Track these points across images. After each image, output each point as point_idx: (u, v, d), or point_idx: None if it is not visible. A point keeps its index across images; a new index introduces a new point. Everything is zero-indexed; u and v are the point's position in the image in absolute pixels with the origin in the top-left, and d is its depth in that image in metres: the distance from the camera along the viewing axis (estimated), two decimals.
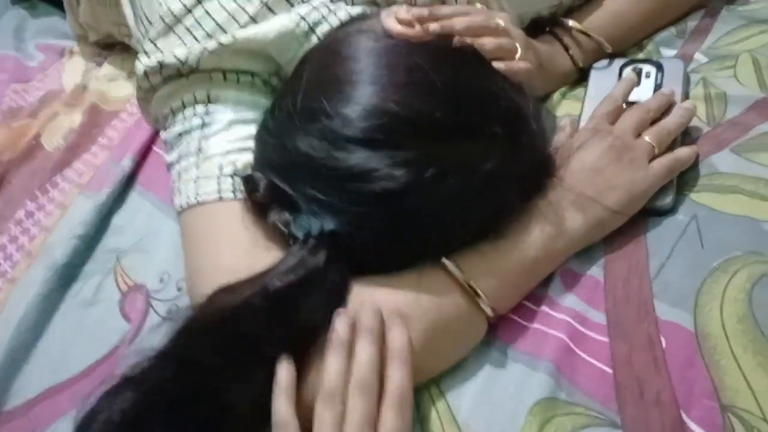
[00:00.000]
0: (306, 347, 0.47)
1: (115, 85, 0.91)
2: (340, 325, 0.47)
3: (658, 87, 0.62)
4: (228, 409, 0.46)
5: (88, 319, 0.66)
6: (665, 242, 0.52)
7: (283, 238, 0.51)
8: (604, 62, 0.67)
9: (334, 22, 0.57)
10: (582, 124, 0.60)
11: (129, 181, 0.77)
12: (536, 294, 0.53)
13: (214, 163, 0.55)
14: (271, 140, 0.53)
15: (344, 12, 0.57)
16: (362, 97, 0.48)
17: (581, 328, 0.50)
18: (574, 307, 0.51)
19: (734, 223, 0.51)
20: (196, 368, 0.46)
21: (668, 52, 0.69)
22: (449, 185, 0.47)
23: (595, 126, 0.57)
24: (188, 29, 0.57)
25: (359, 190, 0.47)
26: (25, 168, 0.84)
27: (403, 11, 0.53)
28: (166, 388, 0.46)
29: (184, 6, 0.57)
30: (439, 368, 0.50)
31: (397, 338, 0.46)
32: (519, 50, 0.56)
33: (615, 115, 0.58)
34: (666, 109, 0.58)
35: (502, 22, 0.57)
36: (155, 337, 0.47)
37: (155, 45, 0.58)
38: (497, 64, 0.53)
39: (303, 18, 0.56)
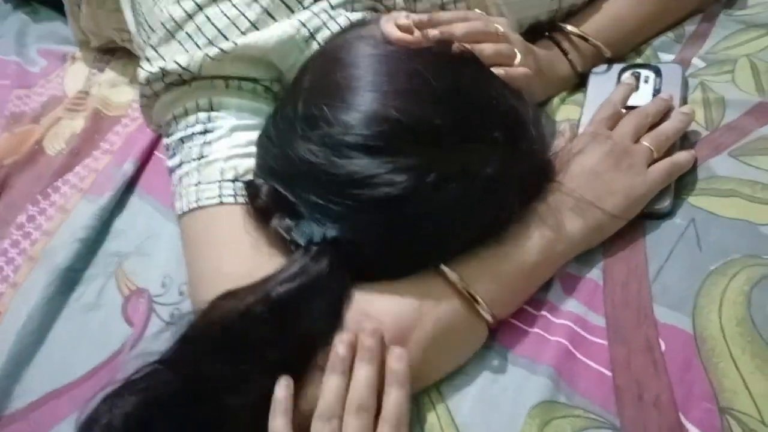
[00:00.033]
0: (307, 354, 0.48)
1: (117, 91, 0.91)
2: (339, 344, 0.47)
3: (656, 92, 0.62)
4: (228, 415, 0.46)
5: (90, 323, 0.66)
6: (664, 246, 0.52)
7: (285, 243, 0.51)
8: (603, 67, 0.67)
9: (335, 28, 0.57)
10: (581, 128, 0.60)
11: (130, 186, 0.77)
12: (536, 298, 0.53)
13: (215, 168, 0.55)
14: (273, 147, 0.53)
15: (344, 18, 0.57)
16: (363, 103, 0.48)
17: (581, 332, 0.50)
18: (575, 311, 0.51)
19: (732, 226, 0.51)
20: (197, 374, 0.46)
21: (666, 57, 0.69)
22: (450, 191, 0.47)
23: (594, 131, 0.57)
24: (189, 35, 0.57)
25: (360, 197, 0.47)
26: (27, 172, 0.83)
27: (402, 17, 0.53)
28: (168, 393, 0.46)
29: (185, 12, 0.57)
30: (439, 375, 0.50)
31: (395, 358, 0.46)
32: (518, 56, 0.56)
33: (614, 120, 0.58)
34: (664, 114, 0.59)
35: (501, 28, 0.57)
36: (157, 342, 0.48)
37: (157, 52, 0.58)
38: (496, 70, 0.54)
39: (303, 24, 0.57)
